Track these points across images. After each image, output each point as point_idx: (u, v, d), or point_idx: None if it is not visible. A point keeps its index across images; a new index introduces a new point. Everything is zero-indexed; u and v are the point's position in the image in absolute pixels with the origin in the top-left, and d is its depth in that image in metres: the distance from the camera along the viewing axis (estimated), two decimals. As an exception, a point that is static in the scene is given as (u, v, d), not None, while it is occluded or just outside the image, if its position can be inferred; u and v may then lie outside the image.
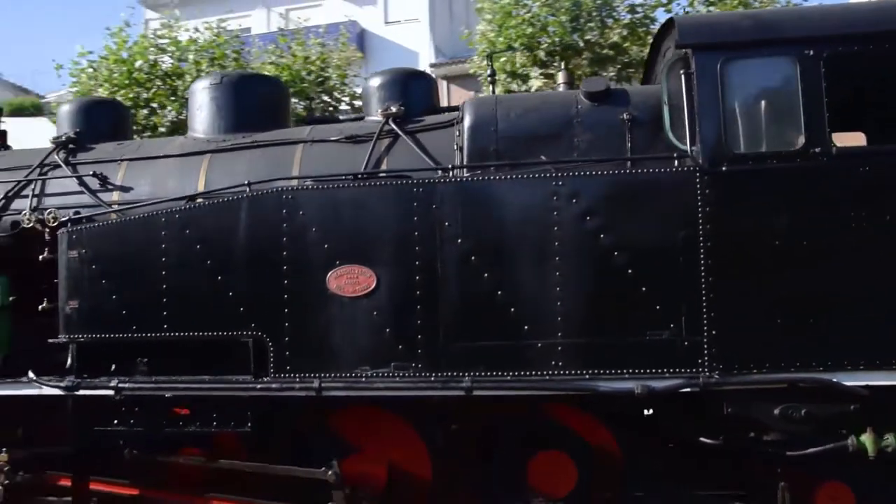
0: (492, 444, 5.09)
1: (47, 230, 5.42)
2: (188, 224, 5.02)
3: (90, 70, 12.59)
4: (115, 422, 5.06)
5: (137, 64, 12.23)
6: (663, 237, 4.51)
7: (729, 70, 4.50)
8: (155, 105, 12.04)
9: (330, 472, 4.95)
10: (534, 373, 4.56)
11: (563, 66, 11.04)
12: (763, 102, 4.59)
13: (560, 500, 4.92)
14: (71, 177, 5.80)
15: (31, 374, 5.11)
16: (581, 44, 11.07)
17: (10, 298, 5.51)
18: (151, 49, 12.66)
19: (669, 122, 4.73)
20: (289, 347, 4.83)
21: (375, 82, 6.00)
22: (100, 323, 5.10)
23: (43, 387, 5.07)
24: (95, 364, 5.15)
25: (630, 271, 4.52)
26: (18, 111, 23.62)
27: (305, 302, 4.83)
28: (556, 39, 11.06)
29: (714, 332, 4.41)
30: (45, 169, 5.94)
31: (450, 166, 4.98)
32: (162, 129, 11.69)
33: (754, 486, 4.72)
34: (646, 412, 4.81)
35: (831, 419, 4.33)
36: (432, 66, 24.19)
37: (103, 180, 5.75)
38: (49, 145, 6.11)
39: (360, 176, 5.05)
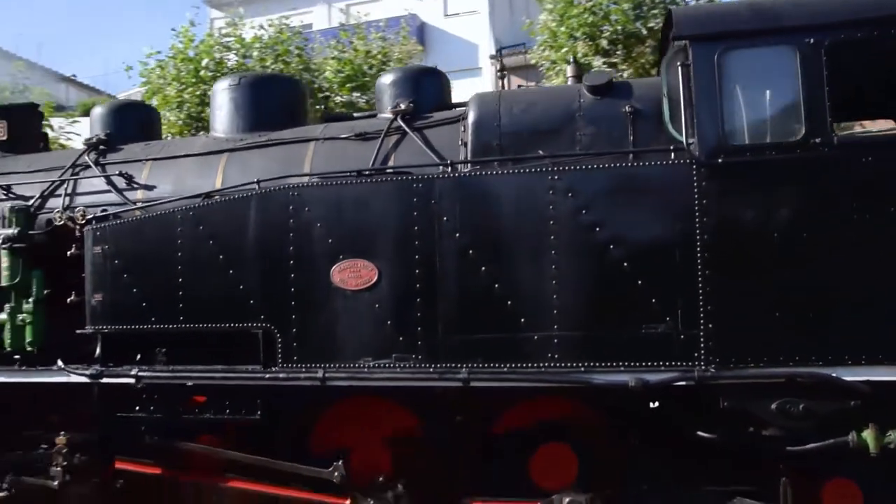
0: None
1: (77, 227, 5.72)
2: (201, 221, 5.24)
3: (158, 70, 12.99)
4: (137, 408, 5.34)
5: (204, 62, 12.57)
6: (660, 230, 4.50)
7: (727, 61, 4.44)
8: None
9: (336, 474, 5.09)
10: (530, 365, 4.61)
11: (625, 55, 11.03)
12: (762, 93, 4.50)
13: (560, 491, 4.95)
14: (99, 176, 6.10)
15: (59, 363, 5.43)
16: (644, 31, 10.92)
17: (45, 292, 5.82)
18: (217, 47, 12.99)
19: (669, 115, 4.70)
20: (296, 339, 5.00)
21: (387, 80, 6.12)
22: (122, 315, 5.38)
23: (71, 375, 5.37)
24: (120, 354, 5.43)
25: (626, 265, 4.52)
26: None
27: (311, 295, 4.99)
28: (619, 28, 10.96)
29: (710, 326, 4.37)
30: (77, 169, 6.26)
31: (448, 162, 5.05)
32: None
33: (757, 483, 4.66)
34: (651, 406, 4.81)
35: (831, 415, 4.25)
36: (492, 57, 24.25)
37: (129, 179, 6.04)
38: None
39: (361, 173, 5.15)
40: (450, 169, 4.95)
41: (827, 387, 4.21)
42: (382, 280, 4.88)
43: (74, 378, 5.36)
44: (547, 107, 5.24)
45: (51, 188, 6.22)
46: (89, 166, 6.23)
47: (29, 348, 5.73)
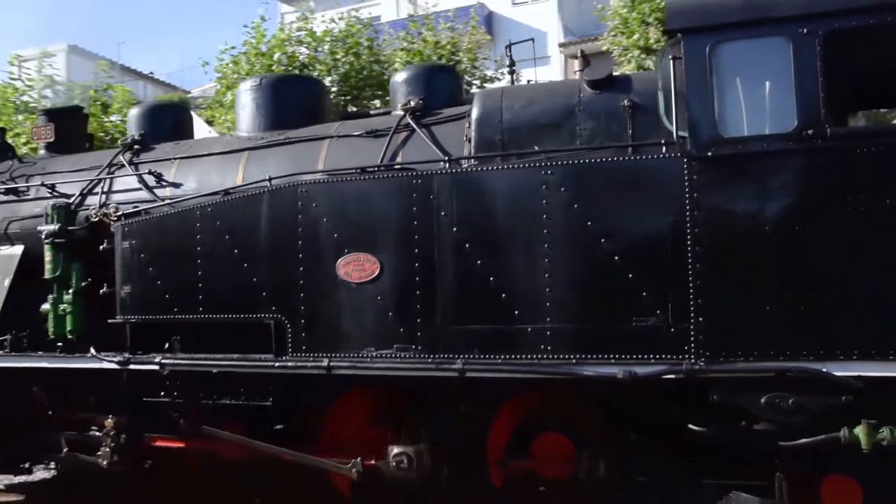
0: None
1: (110, 223, 6.11)
2: (219, 217, 5.53)
3: (232, 65, 13.35)
4: (162, 394, 5.69)
5: (276, 56, 12.80)
6: (651, 224, 4.51)
7: (719, 53, 4.41)
8: None
9: (354, 470, 5.30)
10: (524, 356, 4.71)
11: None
12: (755, 85, 4.44)
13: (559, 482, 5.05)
14: (132, 175, 6.48)
15: (92, 351, 5.83)
16: None
17: (83, 284, 6.24)
18: (288, 41, 13.23)
19: (664, 108, 4.70)
20: (304, 329, 5.24)
21: (401, 77, 6.28)
22: (148, 306, 5.73)
23: (102, 362, 5.76)
24: (147, 342, 5.79)
25: (617, 258, 4.55)
26: (168, 106, 25.59)
27: (318, 287, 5.21)
28: None
29: (701, 320, 4.37)
30: (113, 168, 6.67)
31: (447, 158, 5.18)
32: None
33: (756, 479, 4.64)
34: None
35: (823, 410, 4.19)
36: (561, 45, 24.09)
37: (158, 177, 6.40)
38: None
39: (365, 169, 5.32)
40: (447, 165, 5.07)
41: (817, 382, 4.16)
42: (384, 273, 5.05)
43: (106, 365, 5.74)
44: (547, 102, 5.30)
45: (89, 186, 6.64)
46: (124, 165, 6.62)
47: (69, 336, 6.17)
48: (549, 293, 4.68)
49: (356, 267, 5.12)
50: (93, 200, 6.55)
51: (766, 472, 4.54)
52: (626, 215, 4.56)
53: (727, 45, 4.42)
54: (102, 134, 13.79)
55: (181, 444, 5.85)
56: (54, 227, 6.23)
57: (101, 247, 6.01)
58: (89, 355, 5.84)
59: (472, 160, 5.25)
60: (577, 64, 5.80)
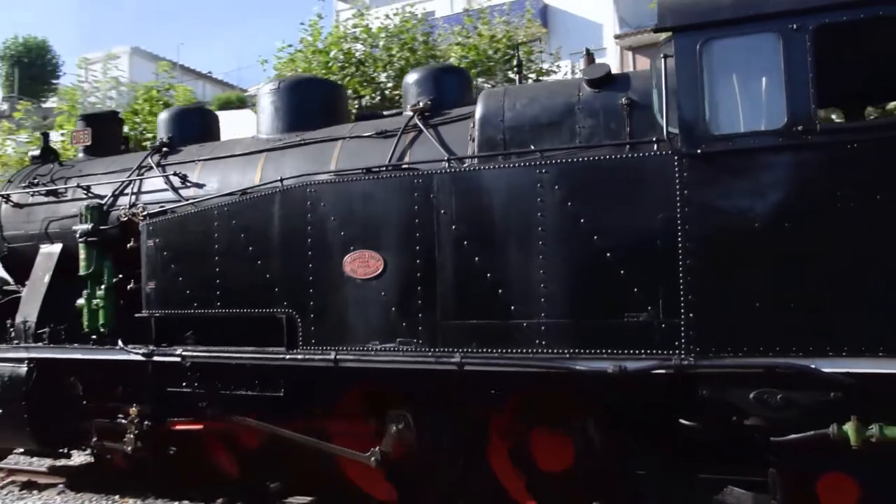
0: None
1: (139, 222, 6.45)
2: (234, 216, 5.79)
3: (290, 63, 13.52)
4: (184, 384, 6.00)
5: (332, 53, 12.98)
6: (642, 221, 4.55)
7: (709, 50, 4.43)
8: (350, 91, 12.47)
9: (373, 459, 5.51)
10: (519, 351, 4.82)
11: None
12: (746, 82, 4.44)
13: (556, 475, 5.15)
14: (159, 177, 6.81)
15: (120, 343, 6.17)
16: None
17: (114, 280, 6.60)
18: (344, 38, 13.38)
19: (658, 106, 4.74)
20: (313, 323, 5.46)
21: (412, 78, 6.45)
22: (170, 301, 6.04)
23: (129, 353, 6.10)
24: (171, 335, 6.11)
25: (609, 255, 4.62)
26: (226, 105, 26.55)
27: (326, 283, 5.42)
28: None
29: (691, 315, 4.41)
30: (142, 170, 7.02)
31: (448, 158, 5.31)
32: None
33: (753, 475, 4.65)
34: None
35: (812, 406, 4.19)
36: (617, 37, 23.84)
37: (183, 178, 6.71)
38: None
39: (370, 170, 5.49)
40: (447, 164, 5.20)
41: (806, 378, 4.16)
42: (388, 269, 5.23)
43: (132, 356, 6.08)
44: (548, 101, 5.38)
45: (121, 187, 7.01)
46: (152, 167, 6.96)
47: (102, 329, 6.54)
48: (544, 289, 4.78)
49: (361, 263, 5.31)
50: (124, 201, 6.91)
51: (762, 469, 4.56)
52: (618, 212, 4.62)
53: (718, 42, 4.43)
54: None
55: (200, 426, 6.16)
56: (87, 226, 6.61)
57: (128, 245, 6.34)
58: (118, 347, 6.19)
59: (474, 159, 5.37)
60: (582, 62, 5.85)
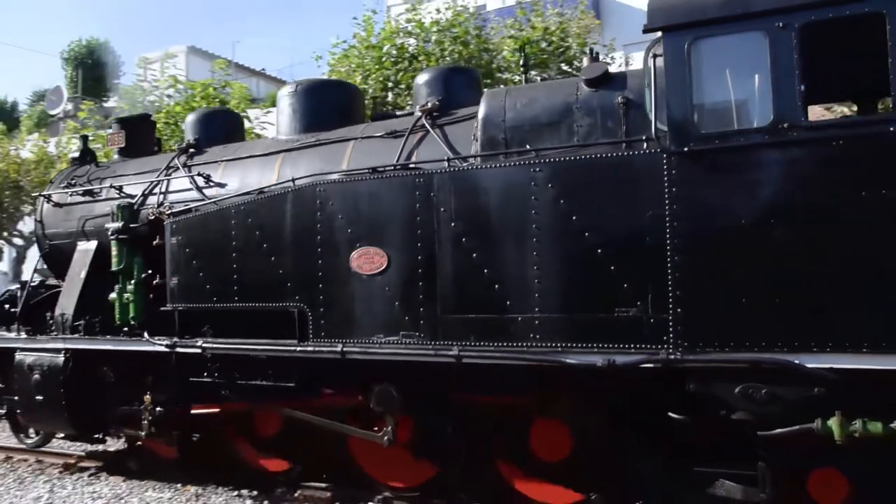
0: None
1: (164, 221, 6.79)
2: (250, 214, 6.07)
3: (344, 58, 13.59)
4: (205, 374, 6.32)
5: (385, 49, 13.00)
6: (632, 218, 4.64)
7: (697, 49, 4.48)
8: (402, 87, 12.60)
9: (385, 438, 5.74)
10: (514, 344, 4.96)
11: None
12: (734, 80, 4.49)
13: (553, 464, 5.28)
14: (184, 177, 7.15)
15: (146, 335, 6.53)
16: None
17: (143, 276, 6.97)
18: (397, 34, 13.40)
19: (649, 105, 4.81)
20: (323, 317, 5.70)
21: (421, 79, 6.63)
22: (192, 295, 6.37)
23: (154, 345, 6.45)
24: (194, 328, 6.43)
25: (600, 251, 4.73)
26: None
27: (334, 278, 5.65)
28: None
29: (679, 311, 4.49)
30: (170, 171, 7.37)
31: (447, 158, 5.48)
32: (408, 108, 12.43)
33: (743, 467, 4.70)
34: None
35: (796, 401, 4.23)
36: None
37: (207, 178, 7.03)
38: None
39: (376, 169, 5.69)
40: (446, 163, 5.37)
41: (791, 373, 4.20)
42: (392, 265, 5.43)
43: (157, 348, 6.43)
44: (547, 101, 5.49)
45: (150, 187, 7.38)
46: (178, 168, 7.31)
47: (132, 322, 6.91)
48: (538, 284, 4.91)
49: (367, 260, 5.52)
50: (152, 200, 7.28)
51: (754, 463, 4.62)
52: (609, 210, 4.72)
53: (706, 41, 4.49)
54: None
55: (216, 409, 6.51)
56: (118, 224, 6.97)
57: (154, 242, 6.70)
58: (144, 339, 6.55)
59: (473, 159, 5.52)
60: (585, 60, 5.93)
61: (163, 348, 6.39)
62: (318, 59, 14.48)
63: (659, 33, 4.71)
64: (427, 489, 6.04)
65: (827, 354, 4.14)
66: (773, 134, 4.28)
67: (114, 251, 7.03)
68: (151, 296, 6.95)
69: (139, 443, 7.34)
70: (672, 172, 4.51)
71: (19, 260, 18.77)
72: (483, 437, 5.72)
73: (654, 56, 4.67)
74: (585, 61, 5.88)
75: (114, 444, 8.14)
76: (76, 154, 8.67)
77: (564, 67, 12.60)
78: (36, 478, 7.01)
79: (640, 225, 4.61)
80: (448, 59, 12.87)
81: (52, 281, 8.25)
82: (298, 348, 5.75)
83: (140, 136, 8.37)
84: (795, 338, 4.21)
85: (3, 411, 7.89)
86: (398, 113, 7.08)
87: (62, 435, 7.68)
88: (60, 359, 6.96)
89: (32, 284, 8.06)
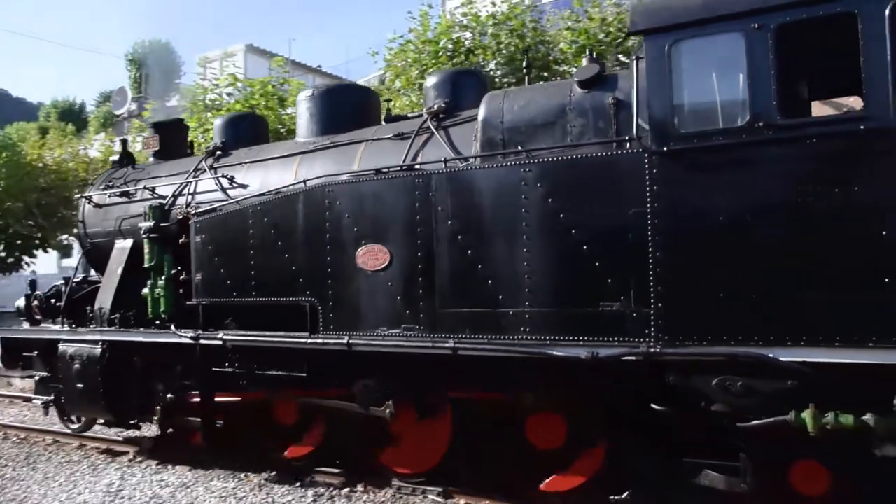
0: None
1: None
2: (266, 214, 6.43)
3: (401, 53, 13.69)
4: (226, 364, 6.72)
5: (441, 43, 13.05)
6: (616, 215, 4.79)
7: (677, 51, 4.61)
8: None
9: (388, 411, 6.03)
10: (505, 337, 5.18)
11: None
12: (712, 80, 4.60)
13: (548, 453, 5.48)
14: (210, 178, 7.57)
15: (172, 328, 6.97)
16: None
17: (173, 272, 7.41)
18: (453, 28, 13.39)
19: (637, 105, 4.95)
20: (331, 311, 6.01)
21: (430, 82, 6.88)
22: (214, 290, 6.77)
23: (180, 337, 6.88)
24: (217, 321, 6.84)
25: (586, 247, 4.90)
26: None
27: (342, 274, 5.96)
28: None
29: (660, 305, 4.63)
30: (198, 173, 7.81)
31: (444, 159, 5.71)
32: None
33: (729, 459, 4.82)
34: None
35: (771, 394, 4.33)
36: None
37: (231, 180, 7.44)
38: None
39: (380, 171, 5.97)
40: (443, 164, 5.61)
41: (765, 366, 4.30)
42: (394, 262, 5.70)
43: (182, 340, 6.85)
44: (543, 102, 5.67)
45: (180, 188, 7.83)
46: (205, 170, 7.73)
47: (163, 316, 7.37)
48: (528, 280, 5.11)
49: (371, 256, 5.81)
50: (181, 201, 7.72)
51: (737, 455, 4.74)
52: (594, 208, 4.88)
53: (685, 43, 4.61)
54: (279, 126, 14.63)
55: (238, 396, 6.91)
56: (150, 223, 7.43)
57: (180, 240, 7.13)
58: (171, 332, 6.99)
59: (472, 160, 5.75)
60: (584, 60, 6.07)
61: (188, 340, 6.81)
62: (375, 54, 14.55)
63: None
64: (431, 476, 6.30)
65: (801, 348, 4.23)
66: (750, 133, 4.39)
67: (146, 249, 7.49)
68: (181, 291, 7.41)
69: (170, 430, 7.79)
70: (653, 171, 4.65)
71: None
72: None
73: (637, 59, 4.81)
74: (585, 61, 6.04)
75: (150, 430, 8.62)
76: (116, 157, 9.20)
77: (623, 59, 12.45)
78: (108, 465, 7.40)
79: (623, 222, 4.76)
80: (504, 52, 12.77)
81: (93, 277, 8.79)
82: (309, 340, 6.08)
83: (173, 139, 8.85)
84: (771, 332, 4.32)
85: (51, 398, 8.46)
86: (409, 115, 7.33)
87: (102, 421, 8.21)
88: (98, 350, 7.46)
89: (75, 280, 8.61)
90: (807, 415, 4.22)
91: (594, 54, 6.18)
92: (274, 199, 6.47)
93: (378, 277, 5.78)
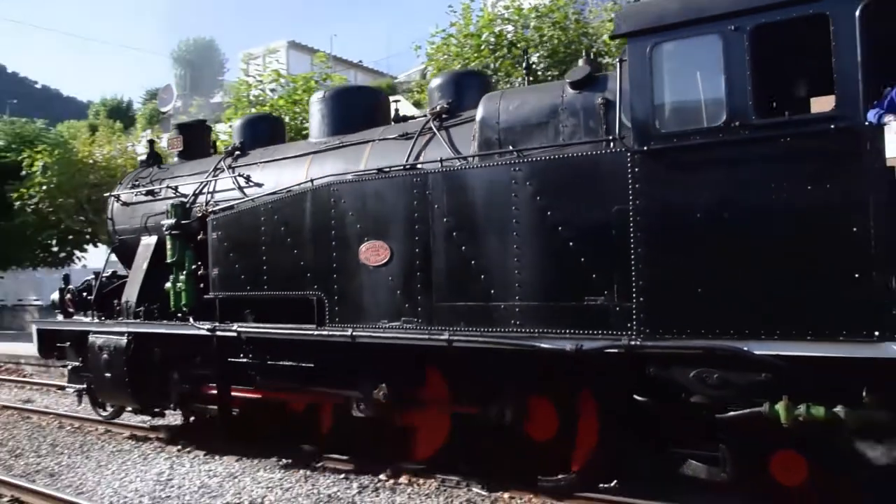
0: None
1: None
2: (276, 211, 6.73)
3: (444, 47, 13.73)
4: (241, 355, 7.05)
5: (483, 36, 13.13)
6: (600, 213, 4.97)
7: (658, 53, 4.75)
8: (501, 74, 12.64)
9: (381, 393, 6.27)
10: (496, 330, 5.39)
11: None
12: (691, 81, 4.72)
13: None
14: (228, 178, 7.91)
15: (191, 320, 7.33)
16: None
17: (193, 267, 7.77)
18: (495, 20, 13.46)
19: (620, 106, 5.10)
20: (337, 304, 6.29)
21: (434, 83, 7.10)
22: (229, 285, 7.10)
23: (198, 329, 7.24)
24: (234, 314, 7.17)
25: (572, 244, 5.08)
26: (376, 92, 27.70)
27: (346, 269, 6.23)
28: None
29: (642, 300, 4.79)
30: (217, 172, 8.16)
31: (441, 159, 5.93)
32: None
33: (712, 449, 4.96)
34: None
35: (747, 386, 4.46)
36: None
37: (247, 179, 7.76)
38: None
39: (382, 170, 6.21)
40: (440, 164, 5.83)
41: (740, 359, 4.43)
42: (394, 257, 5.95)
43: (200, 331, 7.21)
44: (536, 103, 5.85)
45: (200, 187, 8.19)
46: (224, 170, 8.08)
47: (184, 309, 7.74)
48: (518, 275, 5.31)
49: (373, 252, 6.07)
50: (201, 199, 8.08)
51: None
52: (580, 205, 5.06)
53: (666, 45, 4.75)
54: None
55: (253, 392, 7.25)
56: (172, 221, 7.80)
57: (198, 237, 7.48)
58: (189, 324, 7.35)
59: (468, 159, 5.95)
60: (580, 61, 6.22)
61: (205, 332, 7.16)
62: (417, 48, 14.64)
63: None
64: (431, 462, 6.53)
65: (774, 342, 4.35)
66: (726, 133, 4.51)
67: (168, 245, 7.86)
68: (201, 285, 7.77)
69: (192, 418, 8.18)
70: (635, 170, 4.81)
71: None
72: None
73: (621, 61, 4.96)
74: (580, 62, 6.19)
75: (175, 419, 9.04)
76: (144, 157, 9.62)
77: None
78: (158, 455, 7.68)
79: (607, 220, 4.93)
80: (547, 45, 12.75)
81: (121, 271, 9.23)
82: (315, 332, 6.37)
83: (196, 140, 9.23)
84: (746, 325, 4.44)
85: (83, 387, 8.93)
86: (416, 116, 7.56)
87: (130, 409, 8.65)
88: (124, 340, 7.88)
89: (105, 275, 9.06)
90: (780, 406, 4.35)
91: (590, 54, 6.31)
92: (284, 197, 6.77)
93: (379, 272, 6.04)
